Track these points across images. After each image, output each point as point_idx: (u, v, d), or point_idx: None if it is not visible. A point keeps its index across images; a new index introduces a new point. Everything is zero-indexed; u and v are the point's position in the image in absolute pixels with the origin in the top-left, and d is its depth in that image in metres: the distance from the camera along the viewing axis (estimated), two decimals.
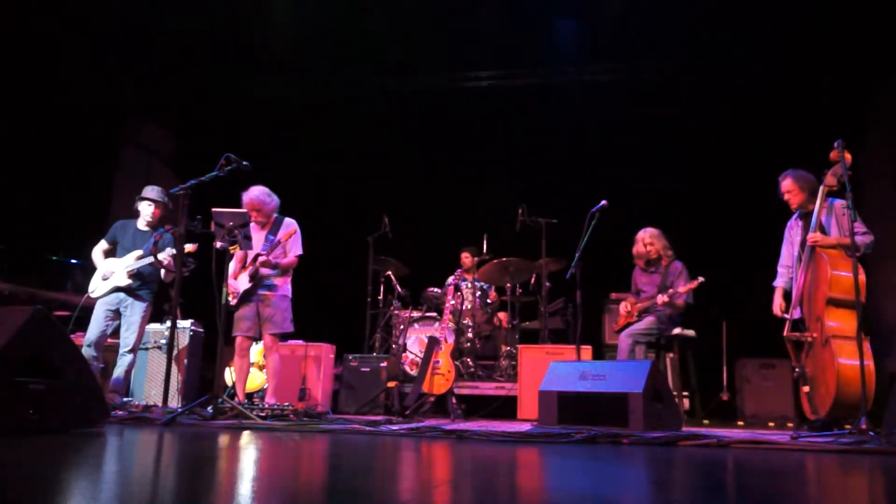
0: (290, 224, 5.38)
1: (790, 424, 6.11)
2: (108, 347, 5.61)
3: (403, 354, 6.77)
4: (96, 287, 5.43)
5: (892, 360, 6.14)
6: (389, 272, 7.45)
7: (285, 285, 5.32)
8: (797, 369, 4.64)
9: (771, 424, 6.29)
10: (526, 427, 4.43)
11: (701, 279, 5.41)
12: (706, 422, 6.02)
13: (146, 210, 5.59)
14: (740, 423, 6.46)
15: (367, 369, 6.45)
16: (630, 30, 7.18)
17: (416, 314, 7.03)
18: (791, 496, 1.96)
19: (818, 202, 4.57)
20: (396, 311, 7.23)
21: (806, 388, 4.57)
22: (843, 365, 4.17)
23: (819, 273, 4.44)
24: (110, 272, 5.42)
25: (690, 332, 5.73)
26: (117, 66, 7.64)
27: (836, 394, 4.17)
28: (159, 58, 7.61)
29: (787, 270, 4.93)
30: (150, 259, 5.32)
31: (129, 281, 5.39)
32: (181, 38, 7.32)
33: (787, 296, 4.85)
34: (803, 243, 4.64)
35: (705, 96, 7.55)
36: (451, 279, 7.41)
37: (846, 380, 4.14)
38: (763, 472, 2.51)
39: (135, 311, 5.43)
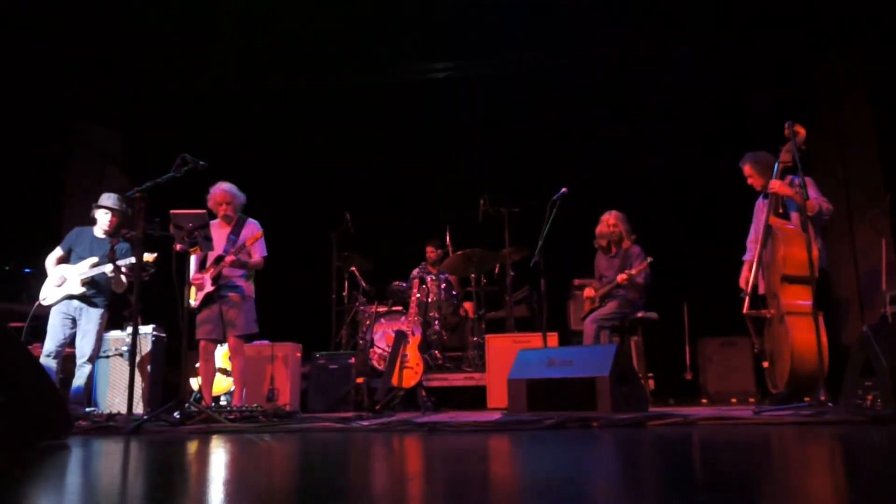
0: (253, 225, 5.32)
1: (752, 400, 6.28)
2: (66, 357, 5.48)
3: (371, 350, 6.75)
4: (48, 295, 5.29)
5: (846, 333, 6.34)
6: (353, 268, 7.41)
7: (249, 286, 5.27)
8: (757, 346, 4.77)
9: (733, 400, 6.45)
10: (496, 416, 4.47)
11: (650, 258, 5.66)
12: (671, 401, 6.15)
13: (103, 218, 5.45)
14: (704, 400, 6.61)
15: (335, 366, 6.42)
16: (582, 15, 7.21)
17: (381, 309, 7.02)
18: (758, 468, 2.01)
19: (774, 178, 4.68)
20: (362, 307, 7.20)
21: (766, 364, 4.70)
22: (798, 339, 4.29)
23: (774, 250, 4.56)
24: (62, 279, 5.28)
25: (653, 315, 5.84)
26: (63, 68, 7.42)
27: (791, 368, 4.29)
28: (105, 58, 7.41)
29: (755, 246, 5.04)
30: (105, 267, 5.21)
31: (83, 289, 5.27)
32: (126, 37, 7.14)
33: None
34: (767, 226, 4.73)
35: (659, 78, 7.65)
36: (415, 272, 7.41)
37: (800, 354, 4.27)
38: (729, 447, 2.58)
39: (90, 319, 5.31)
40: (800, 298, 4.40)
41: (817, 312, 4.09)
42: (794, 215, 4.67)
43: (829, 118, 7.24)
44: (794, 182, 4.56)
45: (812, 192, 4.49)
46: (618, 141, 7.82)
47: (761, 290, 4.79)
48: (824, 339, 4.11)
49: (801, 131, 4.41)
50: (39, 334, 5.32)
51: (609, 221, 5.94)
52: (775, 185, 4.64)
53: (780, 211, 4.75)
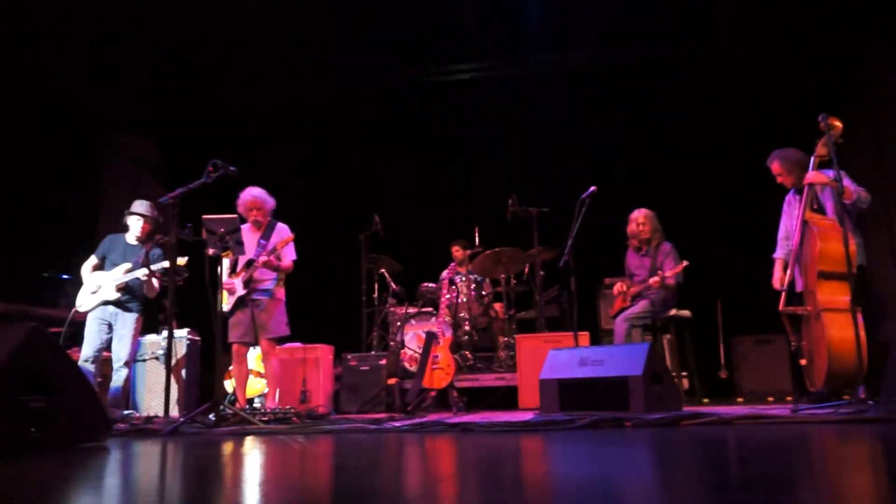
0: (284, 230, 5.38)
1: (789, 398, 6.16)
2: (104, 361, 5.59)
3: (402, 351, 6.77)
4: (84, 301, 5.41)
5: (885, 328, 6.19)
6: (383, 269, 7.44)
7: (279, 290, 5.32)
8: (793, 343, 4.68)
9: (770, 399, 6.33)
10: (528, 416, 4.45)
11: (685, 263, 5.54)
12: (706, 400, 6.05)
13: (135, 225, 5.56)
14: (739, 399, 6.50)
15: (367, 368, 6.45)
16: (610, 13, 7.16)
17: (412, 310, 7.03)
18: (797, 468, 1.97)
19: (811, 170, 4.59)
20: (392, 308, 7.23)
21: (803, 361, 4.60)
22: (835, 337, 4.20)
23: (811, 246, 4.47)
24: (97, 286, 5.40)
25: (686, 313, 5.76)
26: (98, 78, 7.58)
27: (829, 366, 4.20)
28: (138, 67, 7.55)
29: (786, 242, 4.95)
30: (140, 272, 5.30)
31: (118, 294, 5.37)
32: (158, 44, 7.27)
33: (786, 268, 4.87)
34: (804, 221, 4.63)
35: (691, 74, 7.56)
36: (445, 273, 7.40)
37: (838, 352, 4.17)
38: (767, 446, 2.54)
39: (125, 323, 5.41)
40: (837, 295, 4.30)
41: (856, 309, 4.00)
42: (830, 206, 4.57)
43: (865, 113, 7.08)
44: (830, 175, 4.46)
45: (848, 182, 4.40)
46: (648, 138, 7.74)
47: (798, 288, 4.70)
48: (863, 335, 4.01)
49: (838, 124, 4.32)
50: (77, 339, 5.44)
51: (638, 220, 5.88)
52: (811, 174, 4.55)
53: (815, 207, 4.65)
